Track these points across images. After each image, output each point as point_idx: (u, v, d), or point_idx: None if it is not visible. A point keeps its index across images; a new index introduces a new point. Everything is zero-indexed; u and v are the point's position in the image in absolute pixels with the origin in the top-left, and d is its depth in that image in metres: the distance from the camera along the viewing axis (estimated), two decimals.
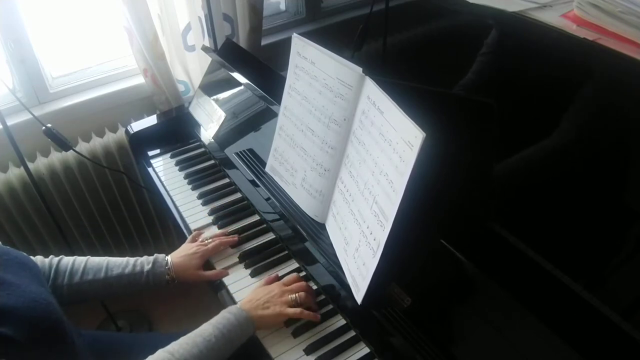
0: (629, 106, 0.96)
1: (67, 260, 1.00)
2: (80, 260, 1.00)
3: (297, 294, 0.94)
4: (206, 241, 1.09)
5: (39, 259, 0.97)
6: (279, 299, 0.93)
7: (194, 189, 1.29)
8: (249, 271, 1.05)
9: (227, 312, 0.90)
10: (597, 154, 0.97)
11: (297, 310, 0.92)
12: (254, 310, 0.91)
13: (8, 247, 0.88)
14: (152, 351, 0.83)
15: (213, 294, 1.07)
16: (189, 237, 1.13)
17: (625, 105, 0.97)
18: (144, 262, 1.03)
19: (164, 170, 1.37)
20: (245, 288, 1.02)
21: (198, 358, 0.82)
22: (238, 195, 1.25)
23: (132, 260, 1.03)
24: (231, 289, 1.03)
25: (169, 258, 1.05)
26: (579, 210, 0.88)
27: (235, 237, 1.11)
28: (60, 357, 0.81)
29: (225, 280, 1.05)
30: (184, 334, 0.87)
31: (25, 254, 0.91)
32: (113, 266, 1.01)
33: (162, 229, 1.89)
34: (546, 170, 0.98)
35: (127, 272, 1.01)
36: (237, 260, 1.08)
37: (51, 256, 1.00)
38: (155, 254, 1.05)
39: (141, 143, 1.45)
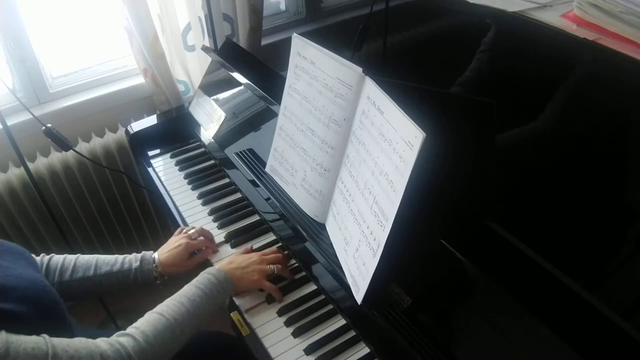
0: (629, 106, 0.96)
1: (57, 259, 1.00)
2: (70, 259, 1.01)
3: (275, 266, 1.00)
4: (190, 232, 1.10)
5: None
6: (257, 266, 0.99)
7: (194, 189, 1.29)
8: None
9: (207, 274, 0.94)
10: (597, 153, 0.97)
11: (273, 286, 0.99)
12: (233, 271, 0.97)
13: (2, 240, 0.88)
14: None
15: None
16: (176, 232, 1.13)
17: (625, 105, 0.97)
18: (132, 259, 1.03)
19: (164, 170, 1.37)
20: None
21: (185, 316, 0.87)
22: (238, 195, 1.25)
23: (120, 257, 1.03)
24: None
25: (155, 255, 1.05)
26: (579, 211, 0.88)
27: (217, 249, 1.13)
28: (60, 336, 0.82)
29: None
30: None
31: (19, 245, 0.91)
32: (102, 264, 1.01)
33: (162, 229, 1.89)
34: (546, 170, 0.98)
35: (116, 270, 1.01)
36: None
37: (42, 254, 1.00)
38: (142, 252, 1.06)
39: (141, 143, 1.45)
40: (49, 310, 0.79)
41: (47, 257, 0.99)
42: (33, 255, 0.97)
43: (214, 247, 1.12)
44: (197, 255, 1.08)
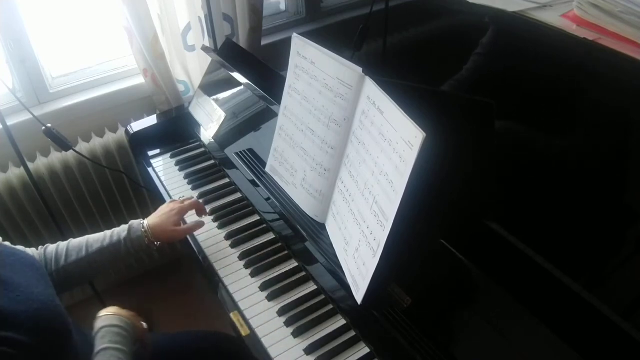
0: (629, 106, 0.96)
1: (52, 248, 1.01)
2: (62, 245, 1.02)
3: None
4: (181, 198, 1.14)
5: (33, 251, 0.98)
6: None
7: (194, 189, 1.29)
8: (249, 271, 1.05)
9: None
10: (596, 153, 0.97)
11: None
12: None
13: (15, 247, 0.89)
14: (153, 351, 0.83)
15: (213, 294, 1.07)
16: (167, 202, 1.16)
17: (625, 105, 0.97)
18: (120, 231, 1.04)
19: (164, 170, 1.37)
20: (245, 288, 1.02)
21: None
22: (238, 195, 1.25)
23: (109, 232, 1.04)
24: (231, 289, 1.02)
25: (144, 221, 1.06)
26: (579, 211, 0.88)
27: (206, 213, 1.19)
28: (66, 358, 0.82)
29: (225, 280, 1.04)
30: (184, 333, 0.87)
31: (31, 254, 0.91)
32: (93, 242, 1.02)
33: None
34: (546, 170, 0.98)
35: (107, 245, 1.01)
36: (237, 259, 1.08)
37: (40, 246, 1.01)
38: (130, 220, 1.07)
39: (141, 143, 1.45)
40: (57, 334, 0.80)
41: (42, 249, 1.01)
42: (33, 249, 0.98)
43: (200, 205, 1.15)
44: (189, 225, 1.11)
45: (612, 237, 0.86)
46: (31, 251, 0.97)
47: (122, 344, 0.84)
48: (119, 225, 1.81)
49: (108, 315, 0.88)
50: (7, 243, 0.91)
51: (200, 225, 1.11)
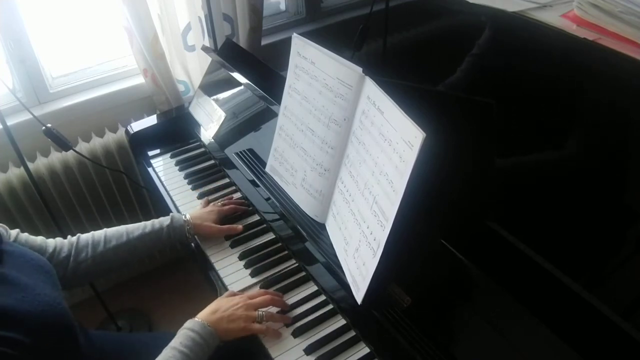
0: (629, 106, 0.97)
1: (86, 236, 1.03)
2: (99, 232, 1.05)
3: (263, 311, 0.92)
4: (220, 203, 1.18)
5: (58, 241, 1.00)
6: (244, 313, 0.90)
7: (194, 189, 1.29)
8: (249, 271, 1.05)
9: (190, 331, 0.85)
10: (596, 153, 0.97)
11: (263, 327, 0.91)
12: (219, 323, 0.88)
13: (25, 248, 0.89)
14: (153, 351, 0.83)
15: (213, 295, 1.07)
16: (202, 202, 1.21)
17: (625, 105, 0.97)
18: (162, 220, 1.09)
19: (164, 170, 1.38)
20: (245, 288, 1.02)
21: None
22: (238, 195, 1.25)
23: (148, 222, 1.08)
24: (231, 289, 1.03)
25: (185, 214, 1.11)
26: (579, 210, 0.88)
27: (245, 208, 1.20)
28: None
29: (226, 280, 1.05)
30: None
31: (41, 256, 0.91)
32: (133, 229, 1.06)
33: None
34: (546, 170, 0.98)
35: (148, 231, 1.06)
36: (237, 260, 1.08)
37: (68, 236, 1.03)
38: (171, 213, 1.12)
39: (141, 143, 1.45)
40: (61, 335, 0.80)
41: (74, 238, 1.02)
42: (59, 238, 1.00)
43: (238, 208, 1.18)
44: (227, 226, 1.13)
45: (612, 237, 0.86)
46: (54, 241, 0.99)
47: (190, 348, 0.83)
48: (118, 225, 1.82)
49: (195, 319, 0.89)
50: (26, 234, 0.93)
51: (237, 229, 1.13)
